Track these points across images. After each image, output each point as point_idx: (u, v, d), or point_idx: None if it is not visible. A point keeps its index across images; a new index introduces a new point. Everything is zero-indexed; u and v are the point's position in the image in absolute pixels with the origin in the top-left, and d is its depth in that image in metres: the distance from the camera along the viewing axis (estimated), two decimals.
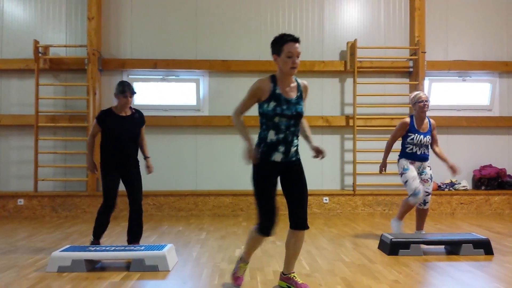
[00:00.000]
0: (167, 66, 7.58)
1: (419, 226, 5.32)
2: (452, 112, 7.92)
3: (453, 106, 7.95)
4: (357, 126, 7.58)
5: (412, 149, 5.15)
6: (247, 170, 8.18)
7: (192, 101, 7.75)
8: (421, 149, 5.14)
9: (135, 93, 4.69)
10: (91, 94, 7.37)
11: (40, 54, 7.37)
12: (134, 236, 4.83)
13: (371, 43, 7.74)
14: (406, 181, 5.06)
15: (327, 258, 4.50)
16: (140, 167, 4.87)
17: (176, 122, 7.58)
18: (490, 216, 7.31)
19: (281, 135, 3.32)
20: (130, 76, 7.65)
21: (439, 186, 7.65)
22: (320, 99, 7.75)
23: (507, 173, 7.77)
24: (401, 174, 5.14)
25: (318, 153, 3.48)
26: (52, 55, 7.57)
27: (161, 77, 7.68)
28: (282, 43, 3.25)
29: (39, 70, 7.39)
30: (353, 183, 7.54)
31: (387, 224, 6.52)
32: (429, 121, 5.24)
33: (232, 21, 7.75)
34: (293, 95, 3.35)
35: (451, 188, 7.61)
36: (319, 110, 7.73)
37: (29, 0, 7.65)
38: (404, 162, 5.15)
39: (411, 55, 7.73)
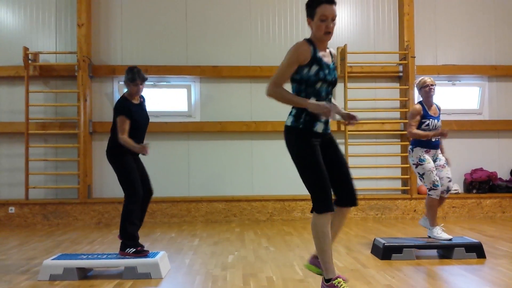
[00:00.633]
0: (158, 72, 7.57)
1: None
2: (442, 116, 7.83)
3: (443, 110, 7.92)
4: (349, 131, 7.61)
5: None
6: (239, 176, 8.18)
7: (184, 107, 7.74)
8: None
9: (146, 79, 4.47)
10: (82, 100, 7.34)
11: (30, 61, 7.33)
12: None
13: (361, 48, 7.79)
14: (423, 174, 4.74)
15: None
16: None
17: (168, 128, 7.56)
18: (482, 220, 7.35)
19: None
20: (120, 83, 7.63)
21: None
22: None
23: (498, 177, 7.84)
24: (417, 165, 4.77)
25: (351, 118, 3.16)
26: (42, 62, 7.53)
27: (152, 83, 7.66)
28: (316, 5, 3.02)
29: (29, 77, 7.35)
30: None
31: (380, 229, 6.53)
32: (437, 106, 5.06)
33: (223, 27, 7.76)
34: (329, 60, 3.17)
35: None
36: None
37: (19, 6, 7.61)
38: (420, 152, 4.78)
39: (401, 60, 7.78)
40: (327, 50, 3.21)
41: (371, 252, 4.89)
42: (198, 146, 7.70)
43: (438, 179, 4.77)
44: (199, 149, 7.71)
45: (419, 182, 7.61)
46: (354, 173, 7.92)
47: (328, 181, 3.07)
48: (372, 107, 7.80)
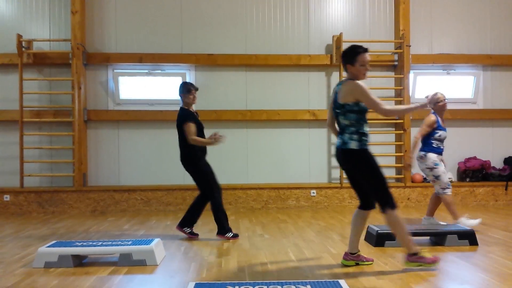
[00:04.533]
0: (152, 60, 7.54)
1: (432, 212, 5.68)
2: None
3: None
4: None
5: (438, 144, 5.47)
6: (234, 164, 8.18)
7: (178, 96, 7.68)
8: (443, 143, 5.53)
9: (198, 88, 5.33)
10: (76, 88, 7.31)
11: (23, 49, 7.28)
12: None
13: (357, 37, 7.77)
14: (438, 176, 5.39)
15: (314, 250, 4.53)
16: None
17: (163, 117, 7.54)
18: (475, 208, 7.42)
19: (366, 127, 3.80)
20: (115, 71, 7.59)
21: (425, 178, 7.73)
22: (307, 92, 7.78)
23: (492, 165, 7.89)
24: (432, 169, 5.40)
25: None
26: (36, 49, 7.48)
27: (146, 71, 7.64)
28: (356, 54, 3.69)
29: (23, 65, 7.30)
30: (340, 176, 7.60)
31: (374, 216, 6.57)
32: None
33: (218, 15, 7.72)
34: None
35: None
36: (306, 104, 7.76)
37: None
38: (434, 157, 5.42)
39: (396, 49, 7.78)
40: None
41: (365, 239, 4.93)
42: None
43: (448, 179, 5.50)
44: None
45: (413, 170, 7.66)
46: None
47: None
48: None
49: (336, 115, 3.84)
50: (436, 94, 5.50)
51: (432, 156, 5.42)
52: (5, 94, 7.50)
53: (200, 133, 5.17)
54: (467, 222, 5.33)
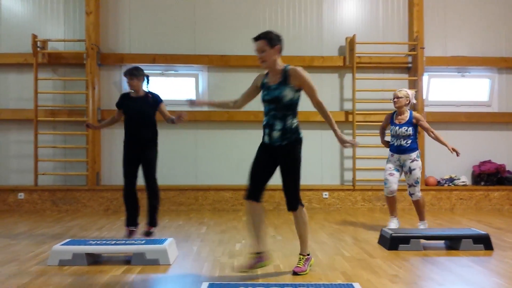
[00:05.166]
0: (165, 61, 7.57)
1: (421, 216, 5.56)
2: (451, 107, 7.94)
3: (452, 102, 7.97)
4: (357, 122, 7.59)
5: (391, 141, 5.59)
6: (246, 165, 8.17)
7: (191, 96, 7.74)
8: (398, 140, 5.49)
9: (134, 74, 4.96)
10: (90, 88, 7.36)
11: (38, 49, 7.35)
12: (149, 216, 5.08)
13: (370, 39, 7.74)
14: (419, 177, 5.40)
15: (327, 253, 4.51)
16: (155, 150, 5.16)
17: None
18: (490, 212, 7.33)
19: (265, 119, 3.71)
20: None
21: (439, 182, 7.68)
22: (319, 94, 7.72)
23: (507, 169, 7.80)
24: (420, 169, 5.41)
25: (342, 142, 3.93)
26: (51, 49, 7.55)
27: (160, 72, 7.67)
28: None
29: (38, 65, 7.38)
30: (352, 178, 7.56)
31: (387, 219, 6.53)
32: (410, 114, 5.51)
33: (231, 16, 7.73)
34: (274, 82, 3.70)
35: (450, 184, 7.64)
36: None
37: None
38: (388, 154, 5.61)
39: (410, 51, 7.73)
40: (279, 73, 3.72)
41: (378, 242, 4.90)
42: (206, 135, 7.71)
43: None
44: (207, 138, 7.72)
45: (426, 173, 7.62)
46: (361, 164, 7.78)
47: (252, 181, 3.79)
48: (380, 98, 7.76)
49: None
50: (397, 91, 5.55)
51: (416, 157, 5.46)
52: (20, 93, 7.58)
53: (131, 118, 5.02)
54: (391, 224, 5.55)
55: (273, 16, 7.77)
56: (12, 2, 7.62)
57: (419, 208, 5.48)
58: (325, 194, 7.48)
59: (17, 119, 7.52)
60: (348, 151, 7.70)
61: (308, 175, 7.74)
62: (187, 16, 7.71)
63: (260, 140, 3.88)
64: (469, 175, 7.91)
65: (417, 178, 5.38)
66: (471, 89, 7.99)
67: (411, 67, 7.76)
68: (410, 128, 5.41)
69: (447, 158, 7.90)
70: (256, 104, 7.67)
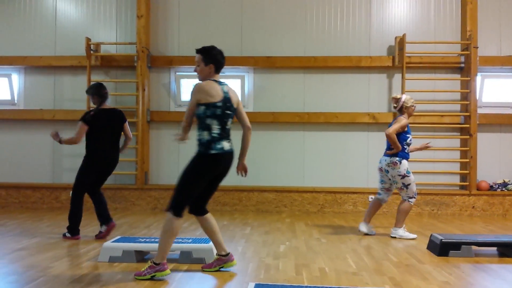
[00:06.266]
0: None
1: (369, 218, 5.62)
2: (505, 109, 7.61)
3: (507, 104, 7.63)
4: None
5: (407, 149, 5.34)
6: (291, 167, 8.14)
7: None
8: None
9: (88, 92, 5.50)
10: (140, 90, 7.56)
11: (91, 51, 7.62)
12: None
13: (421, 38, 7.54)
14: (408, 184, 5.26)
15: (374, 257, 4.43)
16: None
17: None
18: None
19: None
20: (177, 73, 7.79)
21: (491, 186, 7.37)
22: (367, 95, 7.63)
23: None
24: (405, 176, 5.25)
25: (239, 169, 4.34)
26: (103, 52, 7.81)
27: None
28: None
29: (91, 67, 7.65)
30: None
31: (435, 224, 6.35)
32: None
33: (277, 17, 7.74)
34: None
35: (503, 189, 7.32)
36: (365, 107, 7.61)
37: None
38: (407, 165, 5.28)
39: (462, 50, 7.47)
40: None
41: (427, 248, 4.76)
42: (251, 137, 7.71)
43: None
44: (252, 139, 7.69)
45: (478, 177, 7.34)
46: (410, 167, 7.64)
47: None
48: (431, 99, 7.55)
49: (230, 118, 4.02)
50: (411, 97, 5.43)
51: (405, 163, 5.26)
52: (74, 94, 7.88)
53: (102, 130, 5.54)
54: (404, 233, 5.35)
55: (320, 17, 7.71)
56: (67, 7, 7.95)
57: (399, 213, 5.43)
58: (371, 197, 7.34)
59: (71, 120, 7.81)
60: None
61: (354, 178, 7.64)
62: (235, 18, 7.78)
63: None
64: None
65: None
66: None
67: (463, 67, 7.50)
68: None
69: (500, 162, 7.59)
70: (300, 106, 7.72)
